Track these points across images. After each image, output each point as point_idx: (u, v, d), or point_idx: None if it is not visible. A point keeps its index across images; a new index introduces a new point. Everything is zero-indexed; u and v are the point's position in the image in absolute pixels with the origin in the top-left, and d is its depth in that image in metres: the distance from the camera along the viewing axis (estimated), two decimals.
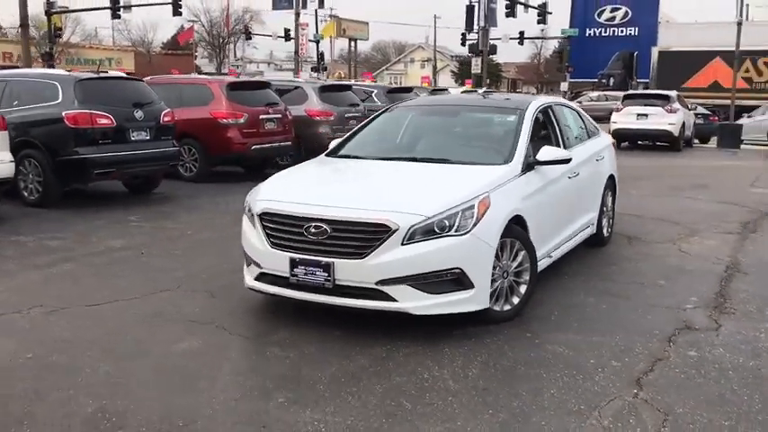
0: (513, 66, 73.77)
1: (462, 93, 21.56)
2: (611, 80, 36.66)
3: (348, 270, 4.54)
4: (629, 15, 43.64)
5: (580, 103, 32.16)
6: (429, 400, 3.81)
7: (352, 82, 23.24)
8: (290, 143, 13.15)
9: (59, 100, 9.47)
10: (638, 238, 7.96)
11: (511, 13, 35.42)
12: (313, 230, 4.62)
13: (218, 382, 4.03)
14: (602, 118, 21.71)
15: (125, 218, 8.93)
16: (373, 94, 16.78)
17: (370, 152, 6.00)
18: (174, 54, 58.08)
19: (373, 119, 6.61)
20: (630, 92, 25.39)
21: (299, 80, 17.52)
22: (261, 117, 12.51)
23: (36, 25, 42.43)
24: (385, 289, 4.51)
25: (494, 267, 4.82)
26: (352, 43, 57.52)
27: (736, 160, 18.70)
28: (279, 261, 4.76)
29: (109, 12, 36.31)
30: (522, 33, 42.69)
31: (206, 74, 32.55)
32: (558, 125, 6.46)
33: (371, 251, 4.49)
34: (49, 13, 35.04)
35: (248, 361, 4.40)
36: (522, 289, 5.15)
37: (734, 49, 25.95)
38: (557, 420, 3.59)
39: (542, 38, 58.07)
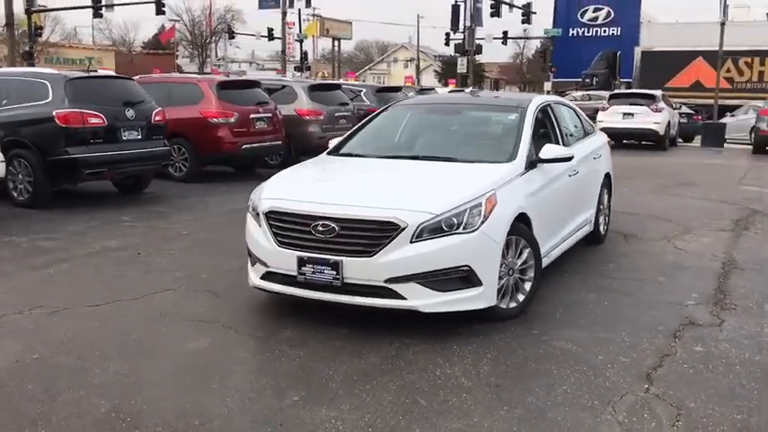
0: (495, 66, 73.97)
1: (449, 92, 21.61)
2: (595, 80, 36.90)
3: (357, 268, 4.53)
4: (612, 15, 43.94)
5: None
6: (443, 397, 3.81)
7: (342, 81, 23.22)
8: (280, 142, 13.11)
9: (50, 99, 9.36)
10: (633, 236, 8.03)
11: (496, 12, 35.54)
12: (321, 229, 4.61)
13: (230, 380, 4.01)
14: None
15: (118, 218, 8.86)
16: (362, 94, 16.77)
17: (373, 150, 6.00)
18: (155, 53, 57.71)
19: (373, 117, 6.60)
20: (616, 91, 25.60)
21: (288, 79, 17.47)
22: (251, 116, 12.45)
23: (16, 24, 41.93)
24: (394, 287, 4.52)
25: (500, 265, 4.83)
26: (336, 43, 57.43)
27: (721, 159, 18.92)
28: (286, 260, 4.74)
29: (88, 11, 36.01)
30: (505, 33, 42.90)
31: (190, 73, 32.35)
32: (557, 123, 6.49)
33: (380, 249, 4.49)
34: (29, 12, 34.67)
35: (258, 360, 4.38)
36: (527, 286, 5.17)
37: (715, 49, 26.21)
38: (572, 416, 3.61)
39: (526, 38, 58.33)
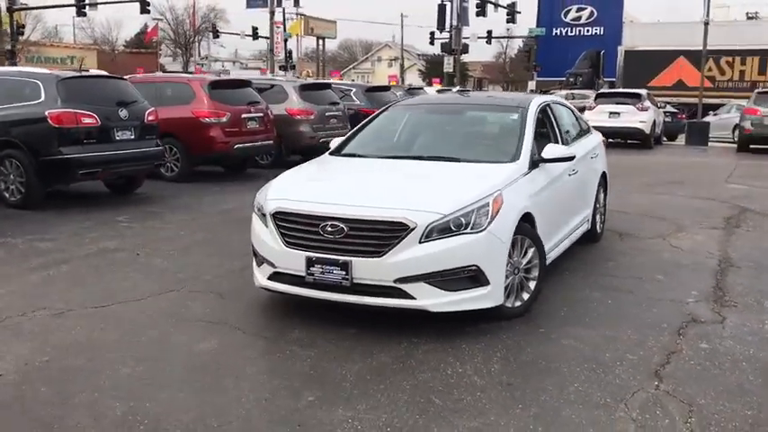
0: (479, 65, 74.20)
1: (437, 92, 21.68)
2: (579, 79, 37.15)
3: (366, 268, 4.55)
4: (595, 15, 44.25)
5: None
6: (458, 396, 3.84)
7: (331, 81, 23.17)
8: (271, 142, 13.10)
9: (42, 99, 9.27)
10: (628, 234, 8.11)
11: (481, 12, 35.67)
12: (329, 229, 4.62)
13: (244, 381, 4.02)
14: None
15: (113, 218, 8.80)
16: (352, 93, 16.76)
17: (375, 151, 6.02)
18: (138, 53, 57.30)
19: (373, 118, 6.62)
20: (603, 90, 25.78)
21: (279, 79, 17.44)
22: (243, 116, 12.42)
23: None
24: (403, 287, 4.54)
25: (506, 264, 4.87)
26: (320, 42, 57.32)
27: (707, 157, 19.13)
28: (294, 260, 4.75)
29: (69, 9, 35.72)
30: (489, 33, 43.04)
31: (174, 72, 32.13)
32: (556, 123, 6.55)
33: (389, 249, 4.52)
34: (10, 10, 34.30)
35: (269, 360, 4.38)
36: (532, 285, 5.22)
37: (697, 48, 26.50)
38: (586, 413, 3.65)
39: (510, 37, 58.51)
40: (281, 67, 43.58)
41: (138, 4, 34.39)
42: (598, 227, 7.60)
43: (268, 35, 49.00)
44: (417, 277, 4.52)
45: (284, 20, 47.83)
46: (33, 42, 46.29)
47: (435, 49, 50.78)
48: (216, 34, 53.59)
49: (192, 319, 5.09)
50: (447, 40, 38.04)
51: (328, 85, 16.10)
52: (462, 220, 4.61)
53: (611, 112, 20.37)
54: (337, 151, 6.17)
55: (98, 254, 7.03)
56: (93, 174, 9.58)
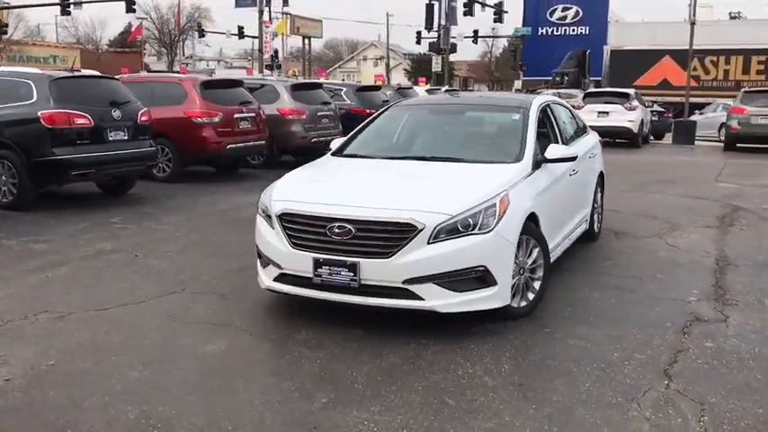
0: (464, 64, 74.34)
1: (427, 91, 21.70)
2: (565, 78, 37.30)
3: (374, 269, 4.54)
4: (580, 15, 44.42)
5: None
6: (471, 397, 3.84)
7: (322, 80, 23.13)
8: (264, 142, 13.05)
9: (34, 99, 9.18)
10: (624, 233, 8.15)
11: (469, 11, 35.72)
12: (337, 230, 4.61)
13: (254, 384, 4.00)
14: None
15: (107, 219, 8.73)
16: (342, 93, 16.73)
17: (378, 151, 6.01)
18: (122, 52, 56.88)
19: (374, 119, 6.61)
20: (591, 90, 25.93)
21: (270, 79, 17.38)
22: (235, 116, 12.36)
23: None
24: (412, 288, 4.54)
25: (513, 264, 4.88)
26: (306, 41, 57.17)
27: (694, 156, 19.29)
28: (301, 261, 4.73)
29: (52, 8, 35.37)
30: (476, 32, 43.14)
31: (159, 72, 31.91)
32: (556, 123, 6.57)
33: (398, 250, 4.51)
34: None
35: (279, 362, 4.36)
36: (537, 285, 5.23)
37: (682, 48, 26.71)
38: (600, 413, 3.67)
39: (496, 36, 58.75)
40: (267, 67, 43.39)
41: (122, 3, 34.13)
42: (596, 226, 7.64)
43: (254, 34, 48.83)
44: (426, 278, 4.52)
45: (270, 18, 47.63)
46: (16, 41, 45.82)
47: (421, 49, 50.81)
48: (201, 33, 53.33)
49: (196, 321, 5.06)
50: (434, 40, 38.06)
51: (320, 85, 16.07)
52: (470, 220, 4.62)
53: (599, 112, 20.48)
54: (339, 152, 6.15)
55: (95, 255, 6.97)
56: (86, 175, 9.49)
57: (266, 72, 41.52)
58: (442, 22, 36.58)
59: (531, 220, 5.16)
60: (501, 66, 72.19)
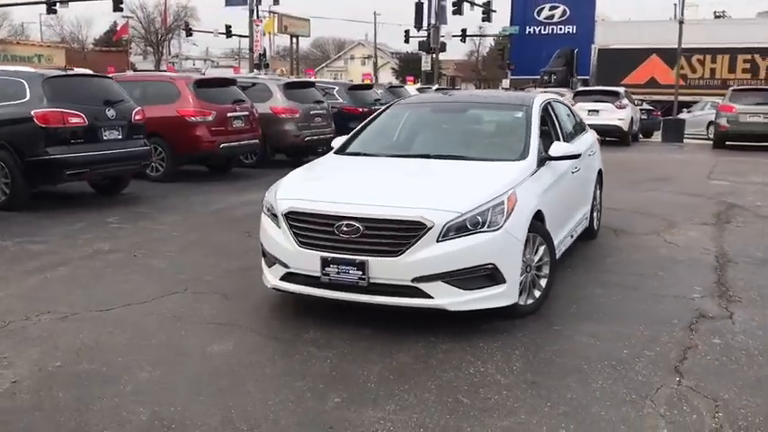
0: (451, 63, 74.43)
1: (418, 90, 21.69)
2: (553, 77, 37.41)
3: (383, 268, 4.52)
4: (568, 13, 44.55)
5: None
6: (484, 395, 3.83)
7: (313, 79, 23.04)
8: (257, 141, 12.99)
9: (27, 98, 9.08)
10: (623, 231, 8.17)
11: (458, 10, 35.76)
12: (345, 229, 4.58)
13: (267, 384, 3.96)
14: None
15: (103, 220, 8.65)
16: (335, 91, 16.68)
17: (381, 149, 5.99)
18: (107, 51, 56.46)
19: (376, 117, 6.59)
20: (581, 88, 26.05)
21: (262, 77, 17.30)
22: (228, 115, 12.29)
23: None
24: (421, 286, 4.52)
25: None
26: (294, 40, 57.01)
27: (685, 154, 19.41)
28: (308, 260, 4.70)
29: (36, 7, 35.05)
30: (464, 31, 43.21)
31: (145, 71, 31.72)
32: (557, 121, 6.57)
33: (407, 249, 4.49)
34: None
35: (289, 362, 4.31)
36: (543, 282, 5.23)
37: (669, 46, 26.85)
38: (614, 410, 3.66)
39: (484, 35, 58.83)
40: (256, 65, 43.21)
41: (109, 2, 33.93)
42: (595, 223, 7.66)
43: (240, 33, 48.67)
44: (435, 276, 4.50)
45: (257, 17, 47.44)
46: (0, 40, 45.34)
47: (408, 48, 50.84)
48: (189, 32, 53.03)
49: (201, 321, 5.01)
50: (423, 39, 38.05)
51: (312, 84, 16.01)
52: (479, 218, 4.60)
53: (590, 110, 20.53)
54: (342, 150, 6.12)
55: (93, 255, 6.90)
56: (80, 174, 9.41)
57: (256, 71, 41.37)
58: (432, 21, 36.57)
59: (537, 217, 5.16)
60: (488, 65, 72.39)
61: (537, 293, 5.16)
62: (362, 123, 6.53)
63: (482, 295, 4.63)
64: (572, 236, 6.49)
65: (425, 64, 37.90)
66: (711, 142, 21.35)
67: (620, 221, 8.68)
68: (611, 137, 21.09)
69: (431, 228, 4.48)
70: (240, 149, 12.82)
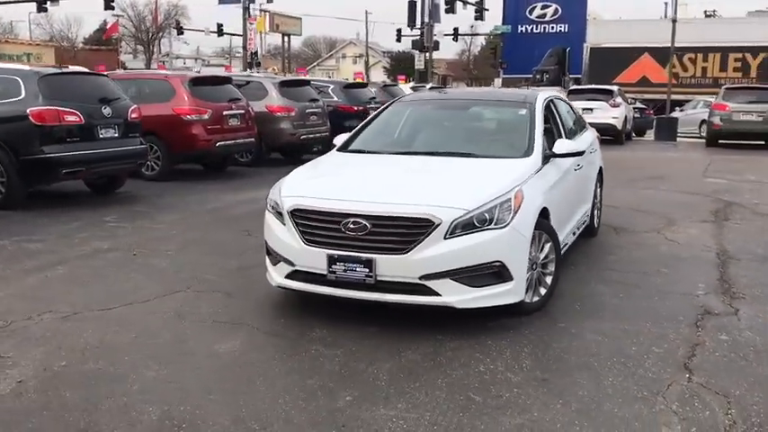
0: (443, 62, 74.45)
1: (411, 89, 21.67)
2: (546, 76, 37.47)
3: (391, 265, 4.49)
4: (559, 12, 44.66)
5: None
6: (496, 393, 3.81)
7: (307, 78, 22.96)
8: (253, 139, 12.93)
9: (22, 96, 8.99)
10: (622, 229, 8.18)
11: (451, 9, 35.77)
12: (352, 226, 4.55)
13: (276, 382, 3.93)
14: None
15: (100, 219, 8.58)
16: (329, 90, 16.64)
17: (385, 147, 5.96)
18: (97, 49, 56.15)
19: (378, 114, 6.55)
20: (575, 87, 26.07)
21: (257, 75, 17.23)
22: (224, 113, 12.24)
23: None
24: (428, 284, 4.49)
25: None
26: (286, 38, 56.88)
27: (678, 152, 19.47)
28: (315, 258, 4.66)
29: (25, 5, 34.80)
30: (456, 30, 43.22)
31: (134, 69, 31.55)
32: (559, 118, 6.57)
33: (414, 246, 4.46)
34: None
35: (297, 360, 4.28)
36: (548, 280, 5.22)
37: (661, 45, 26.94)
38: (627, 407, 3.65)
39: (476, 34, 58.87)
40: (249, 64, 43.09)
41: (100, 0, 33.71)
42: (595, 221, 7.65)
43: (231, 32, 48.52)
44: (443, 274, 4.48)
45: (249, 15, 47.32)
46: None
47: (400, 46, 50.83)
48: (180, 31, 52.82)
49: (205, 320, 4.97)
50: (416, 38, 38.02)
51: (308, 82, 15.95)
52: (486, 215, 4.58)
53: (584, 109, 20.47)
54: (344, 148, 6.08)
55: (92, 255, 6.84)
56: (76, 173, 9.34)
57: (250, 70, 41.25)
58: (426, 20, 36.54)
59: (543, 215, 5.14)
60: (479, 64, 72.49)
61: (542, 291, 5.15)
62: (365, 121, 6.50)
63: (490, 293, 4.61)
64: (574, 233, 6.48)
65: (419, 62, 37.89)
66: (704, 141, 21.43)
67: (620, 219, 8.69)
68: (604, 135, 21.03)
69: (438, 225, 4.46)
70: (236, 148, 12.77)
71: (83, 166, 9.25)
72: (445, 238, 4.48)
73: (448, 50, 74.82)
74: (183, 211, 9.34)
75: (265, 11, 50.65)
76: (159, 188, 11.06)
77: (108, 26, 57.16)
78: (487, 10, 39.68)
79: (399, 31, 41.84)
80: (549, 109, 6.47)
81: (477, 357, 4.28)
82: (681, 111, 27.89)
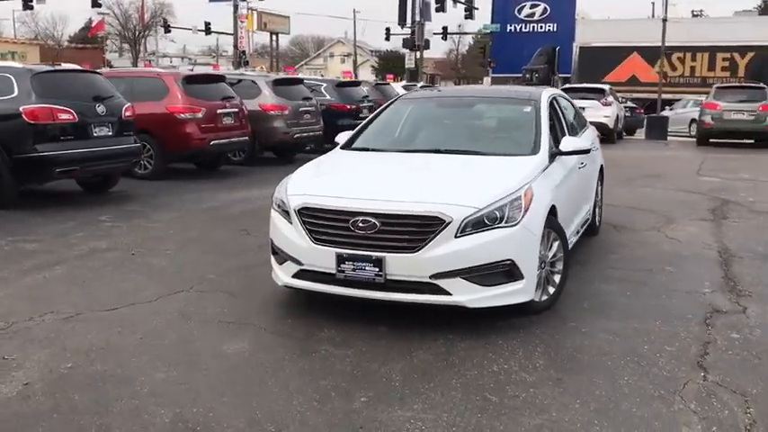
0: (431, 61, 74.44)
1: (403, 87, 21.62)
2: (535, 75, 37.44)
3: (401, 264, 4.44)
4: (548, 12, 44.66)
5: None
6: (512, 393, 3.76)
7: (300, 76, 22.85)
8: (247, 138, 12.83)
9: (15, 94, 8.85)
10: (623, 227, 8.16)
11: (441, 7, 35.74)
12: (361, 225, 4.49)
13: (289, 383, 3.86)
14: None
15: (95, 218, 8.47)
16: (322, 88, 16.55)
17: (389, 144, 5.91)
18: (83, 48, 55.74)
19: (380, 112, 6.49)
20: (567, 86, 26.12)
21: (250, 74, 17.12)
22: (218, 112, 12.13)
23: None
24: (439, 282, 4.44)
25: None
26: (274, 37, 56.66)
27: (671, 151, 19.52)
28: (323, 257, 4.60)
29: (9, 3, 34.48)
30: (445, 29, 43.21)
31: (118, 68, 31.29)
32: (563, 116, 6.53)
33: (425, 244, 4.41)
34: None
35: (307, 361, 4.21)
36: (557, 278, 5.18)
37: (650, 44, 27.05)
38: (645, 406, 3.61)
39: (465, 33, 58.90)
40: (237, 63, 42.87)
41: None
42: (596, 219, 7.63)
43: (219, 30, 48.23)
44: (454, 273, 4.42)
45: (237, 13, 47.12)
46: None
47: (388, 46, 50.78)
48: (167, 29, 52.47)
49: (211, 320, 4.90)
50: (406, 36, 37.95)
51: (301, 81, 15.87)
52: (497, 213, 4.54)
53: None
54: (348, 145, 6.02)
55: (90, 254, 6.74)
56: (70, 172, 9.21)
57: (242, 68, 41.04)
58: (416, 18, 36.49)
59: (551, 213, 5.10)
60: (467, 63, 72.53)
61: (551, 290, 5.11)
62: (368, 118, 6.44)
63: (501, 291, 4.56)
64: (578, 231, 6.45)
65: (409, 61, 37.84)
66: (695, 139, 21.52)
67: (620, 217, 8.67)
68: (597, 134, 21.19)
69: (449, 223, 4.40)
70: (230, 147, 12.67)
71: (77, 165, 9.13)
72: (456, 237, 4.43)
73: (435, 50, 74.82)
74: (179, 209, 9.25)
75: (253, 9, 50.43)
76: (153, 187, 10.95)
77: (93, 24, 56.73)
78: (477, 9, 39.72)
79: (388, 29, 41.86)
80: (553, 106, 6.44)
81: (489, 357, 4.24)
82: (671, 110, 28.01)
